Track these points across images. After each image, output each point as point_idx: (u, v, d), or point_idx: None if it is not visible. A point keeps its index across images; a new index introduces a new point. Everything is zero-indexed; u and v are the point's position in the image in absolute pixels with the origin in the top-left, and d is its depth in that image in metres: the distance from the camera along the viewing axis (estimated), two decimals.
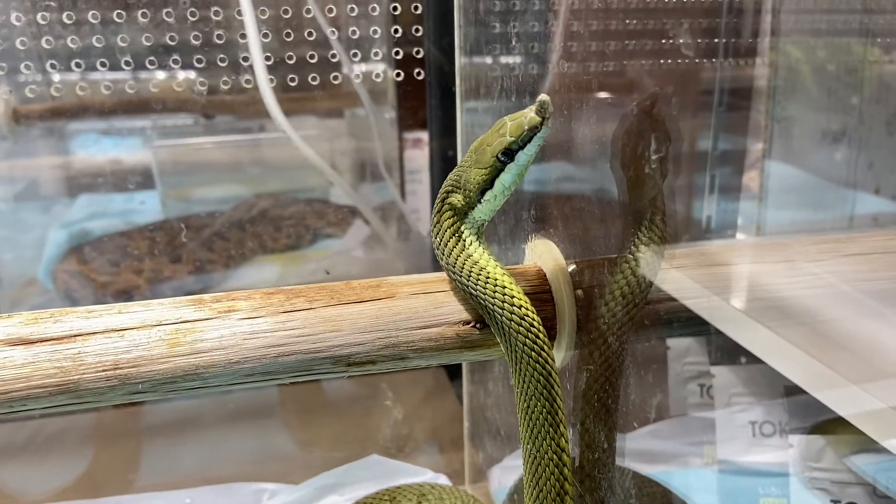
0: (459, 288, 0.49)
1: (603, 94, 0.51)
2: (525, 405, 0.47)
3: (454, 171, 0.49)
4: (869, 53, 0.94)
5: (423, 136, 1.30)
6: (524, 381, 0.46)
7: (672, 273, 0.53)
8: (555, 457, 0.46)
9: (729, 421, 0.86)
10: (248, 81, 0.98)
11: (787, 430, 0.82)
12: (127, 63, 0.96)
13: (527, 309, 0.46)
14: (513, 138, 0.45)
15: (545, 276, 0.52)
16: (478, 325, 0.49)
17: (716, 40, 0.93)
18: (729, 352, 0.89)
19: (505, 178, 0.47)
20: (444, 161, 1.09)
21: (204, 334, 0.47)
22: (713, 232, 0.98)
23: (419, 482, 0.73)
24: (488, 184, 0.47)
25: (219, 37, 0.95)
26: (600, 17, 0.60)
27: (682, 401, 0.91)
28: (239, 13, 0.92)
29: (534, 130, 0.45)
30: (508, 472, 0.79)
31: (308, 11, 0.97)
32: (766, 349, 0.57)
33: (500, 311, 0.46)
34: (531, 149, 0.46)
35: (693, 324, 0.53)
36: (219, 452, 0.86)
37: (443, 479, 0.79)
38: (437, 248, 0.49)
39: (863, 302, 0.59)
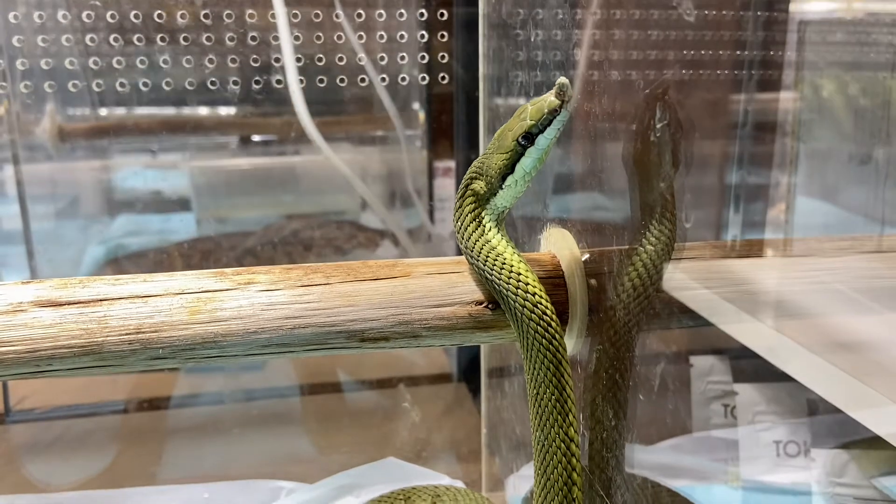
0: (476, 272, 0.50)
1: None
2: (535, 391, 0.47)
3: (478, 158, 0.50)
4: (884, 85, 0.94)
5: (453, 164, 1.33)
6: (535, 367, 0.47)
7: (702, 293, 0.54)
8: (563, 444, 0.46)
9: (753, 440, 0.85)
10: (284, 103, 1.02)
11: (811, 450, 0.81)
12: (168, 84, 1.00)
13: (540, 296, 0.47)
14: (533, 122, 0.46)
15: (559, 263, 0.52)
16: (490, 306, 0.50)
17: (742, 72, 0.95)
18: (752, 371, 0.88)
19: (525, 163, 0.47)
20: None
21: (223, 304, 0.48)
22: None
23: (433, 485, 0.73)
24: (509, 168, 0.48)
25: (255, 60, 0.99)
26: (620, 64, 0.62)
27: (705, 420, 0.90)
28: (276, 38, 0.96)
29: (553, 114, 0.45)
30: (525, 480, 0.78)
31: (340, 38, 1.01)
32: (799, 366, 0.57)
33: (514, 296, 0.47)
34: (551, 132, 0.46)
35: (698, 318, 0.53)
36: (239, 453, 0.87)
37: (459, 486, 0.78)
38: (458, 233, 0.50)
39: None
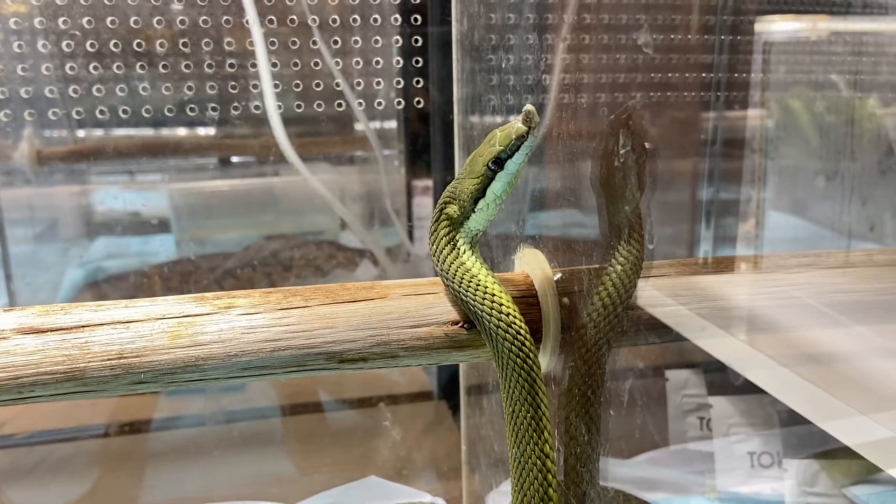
0: (452, 294, 0.51)
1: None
2: (511, 409, 0.48)
3: (451, 183, 0.52)
4: (862, 105, 0.97)
5: (431, 183, 1.34)
6: (510, 386, 0.48)
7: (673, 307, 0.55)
8: (538, 461, 0.47)
9: (728, 451, 0.86)
10: (262, 126, 1.03)
11: (784, 460, 0.82)
12: (147, 111, 1.01)
13: (514, 316, 0.48)
14: (502, 147, 0.48)
15: (532, 283, 0.54)
16: (465, 326, 0.51)
17: (710, 93, 0.98)
18: (726, 383, 0.89)
19: (496, 187, 0.49)
20: None
21: (204, 328, 0.49)
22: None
23: (416, 502, 0.73)
24: (481, 192, 0.50)
25: (233, 87, 1.01)
26: (591, 88, 0.64)
27: (681, 433, 0.91)
28: (254, 65, 0.97)
29: (521, 139, 0.48)
30: (504, 496, 0.79)
31: (317, 64, 1.03)
32: (769, 381, 0.59)
33: (489, 317, 0.48)
34: (519, 157, 0.48)
35: (670, 333, 0.54)
36: (221, 475, 0.87)
37: (441, 503, 0.79)
38: (433, 256, 0.52)
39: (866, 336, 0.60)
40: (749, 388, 0.82)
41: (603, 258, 0.51)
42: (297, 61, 1.01)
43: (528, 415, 0.47)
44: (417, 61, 1.03)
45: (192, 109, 1.03)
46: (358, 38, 1.01)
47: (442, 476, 0.87)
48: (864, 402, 0.50)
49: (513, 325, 0.47)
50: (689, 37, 0.88)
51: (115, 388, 0.48)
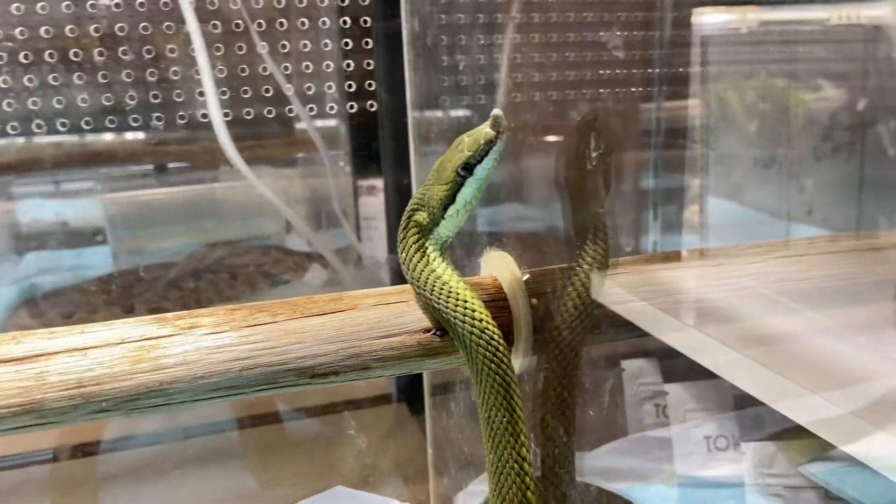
0: (423, 301, 0.51)
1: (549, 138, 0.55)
2: (486, 414, 0.48)
3: (419, 189, 0.52)
4: (795, 94, 1.01)
5: (378, 182, 1.33)
6: (485, 392, 0.48)
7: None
8: (516, 465, 0.47)
9: (685, 437, 0.88)
10: (202, 130, 1.00)
11: (740, 443, 0.85)
12: (80, 119, 0.97)
13: (487, 321, 0.48)
14: (470, 153, 0.48)
15: (500, 285, 0.54)
16: (438, 333, 0.51)
17: (653, 88, 0.99)
18: (682, 371, 0.91)
19: (465, 193, 0.49)
20: (401, 206, 1.12)
21: (167, 350, 0.47)
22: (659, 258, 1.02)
23: None
24: (450, 199, 0.49)
25: (175, 93, 0.97)
26: (541, 85, 0.64)
27: (639, 421, 0.93)
28: (197, 72, 0.94)
29: (489, 144, 0.47)
30: (473, 496, 0.79)
31: (262, 69, 1.00)
32: (721, 364, 0.60)
33: (462, 323, 0.48)
34: (488, 162, 0.48)
35: (634, 329, 0.55)
36: (179, 495, 0.84)
37: None
38: (403, 263, 0.51)
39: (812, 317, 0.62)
40: (703, 375, 0.84)
41: (570, 258, 0.51)
42: (240, 66, 0.98)
43: (504, 419, 0.47)
44: (367, 63, 1.02)
45: (127, 116, 0.99)
46: (305, 42, 0.99)
47: (408, 480, 0.86)
48: (815, 381, 0.52)
49: (486, 331, 0.47)
50: (633, 32, 0.90)
51: (74, 418, 0.46)
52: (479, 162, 0.48)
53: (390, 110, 0.97)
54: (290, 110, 1.07)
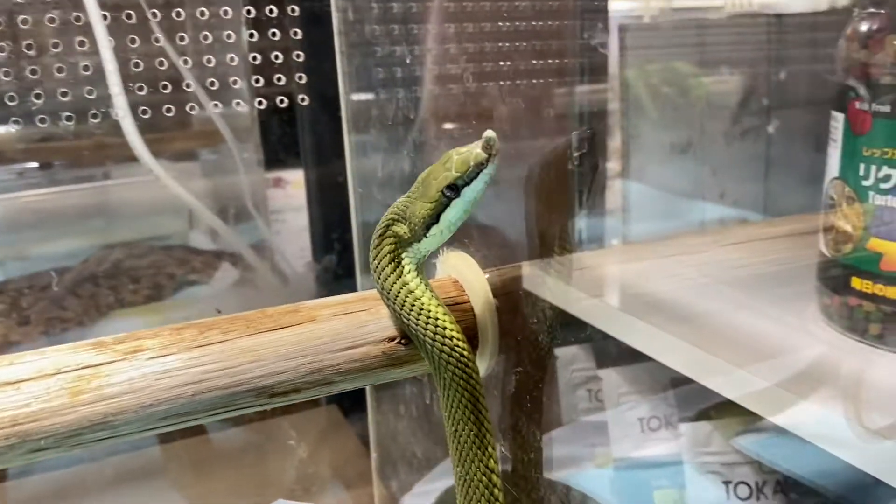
0: (392, 313, 0.48)
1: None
2: (454, 428, 0.47)
3: (401, 199, 0.48)
4: (692, 79, 1.04)
5: (285, 175, 1.28)
6: (453, 406, 0.47)
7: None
8: (484, 478, 0.47)
9: (619, 420, 0.90)
10: (97, 124, 0.93)
11: (673, 423, 0.87)
12: None
13: (457, 339, 0.46)
14: (458, 174, 0.45)
15: (462, 288, 0.52)
16: (403, 341, 0.49)
17: (576, 77, 1.00)
18: (615, 356, 0.93)
19: (451, 214, 0.46)
20: (325, 199, 1.07)
21: (110, 378, 0.43)
22: (584, 244, 1.03)
23: None
24: (434, 218, 0.46)
25: (89, 92, 0.89)
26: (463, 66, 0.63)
27: (573, 407, 0.94)
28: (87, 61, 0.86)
29: (480, 167, 0.44)
30: (419, 498, 0.78)
31: (157, 40, 0.93)
32: (651, 345, 0.61)
33: (432, 341, 0.46)
34: (478, 185, 0.45)
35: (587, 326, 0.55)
36: None
37: None
38: (374, 272, 0.48)
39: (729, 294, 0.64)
40: (636, 359, 0.86)
41: (531, 257, 0.50)
42: (139, 53, 0.91)
43: (472, 433, 0.46)
44: (280, 50, 0.96)
45: (7, 110, 0.90)
46: (207, 33, 0.92)
47: (349, 485, 0.83)
48: (743, 357, 0.53)
49: (456, 349, 0.46)
50: (555, 21, 0.90)
51: (10, 459, 0.41)
52: (468, 184, 0.45)
53: (314, 99, 0.93)
54: (193, 100, 1.00)
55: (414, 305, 0.46)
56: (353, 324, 0.48)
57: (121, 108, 0.84)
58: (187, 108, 0.99)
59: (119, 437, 0.43)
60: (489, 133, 0.44)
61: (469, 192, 0.45)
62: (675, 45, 1.07)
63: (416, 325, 0.46)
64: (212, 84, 0.97)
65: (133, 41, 0.90)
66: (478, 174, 0.44)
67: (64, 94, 0.90)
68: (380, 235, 0.48)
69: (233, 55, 0.96)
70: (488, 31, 0.80)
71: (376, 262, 0.48)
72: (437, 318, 0.46)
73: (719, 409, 0.83)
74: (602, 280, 0.66)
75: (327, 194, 1.00)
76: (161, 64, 0.92)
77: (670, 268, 0.75)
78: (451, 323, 0.46)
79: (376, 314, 0.49)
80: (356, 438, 0.91)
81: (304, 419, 0.95)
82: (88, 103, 0.90)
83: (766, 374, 0.50)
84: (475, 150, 0.44)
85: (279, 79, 0.98)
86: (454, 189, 0.45)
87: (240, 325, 0.47)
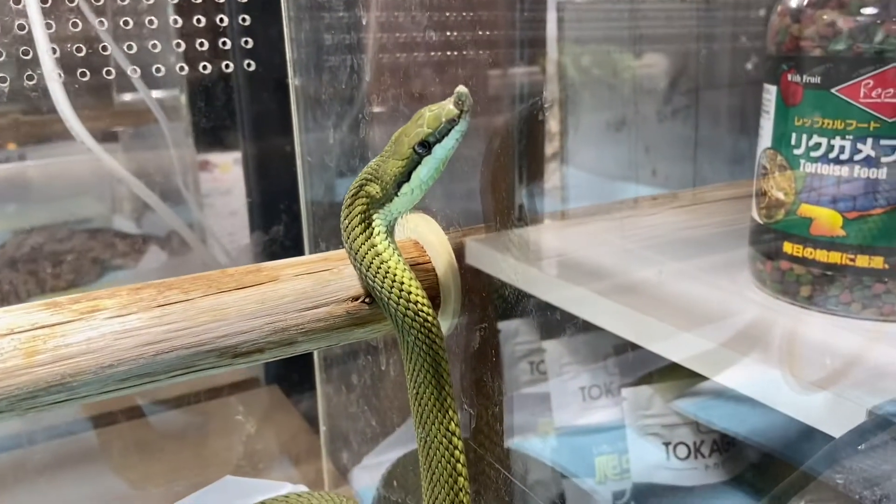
0: (358, 274, 0.48)
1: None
2: (415, 391, 0.47)
3: (374, 160, 0.48)
4: (624, 59, 1.07)
5: (213, 158, 1.25)
6: (415, 369, 0.47)
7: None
8: (444, 440, 0.47)
9: (561, 389, 0.92)
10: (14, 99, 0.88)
11: (613, 391, 0.89)
12: None
13: (422, 303, 0.46)
14: (430, 130, 0.44)
15: (424, 249, 0.52)
16: (367, 301, 0.48)
17: (515, 50, 1.01)
18: (556, 327, 0.95)
19: (422, 172, 0.45)
20: (263, 179, 1.04)
21: (67, 338, 0.41)
22: (526, 219, 1.05)
23: (283, 494, 0.69)
24: (405, 176, 0.46)
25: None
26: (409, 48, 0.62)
27: (515, 379, 0.95)
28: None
29: (452, 123, 0.44)
30: (368, 470, 0.77)
31: (85, 30, 0.89)
32: (596, 312, 0.63)
33: (396, 304, 0.46)
34: (449, 142, 0.44)
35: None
36: None
37: (303, 489, 0.75)
38: (344, 231, 0.48)
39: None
40: (579, 330, 0.88)
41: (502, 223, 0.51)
42: (64, 25, 0.86)
43: (433, 396, 0.46)
44: (213, 24, 0.93)
45: None
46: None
47: (297, 461, 0.82)
48: (685, 321, 0.56)
49: (420, 313, 0.46)
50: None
51: None
52: (439, 141, 0.44)
53: (249, 75, 0.90)
54: (121, 76, 0.96)
55: (381, 267, 0.46)
56: (316, 283, 0.48)
57: (53, 81, 0.80)
58: (114, 87, 0.96)
59: (77, 399, 0.42)
60: (461, 88, 0.44)
61: (440, 150, 0.45)
62: (610, 21, 1.09)
63: (382, 286, 0.46)
64: (142, 61, 0.94)
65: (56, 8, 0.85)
66: (449, 131, 0.44)
67: None
68: (352, 195, 0.47)
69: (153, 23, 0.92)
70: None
71: (346, 220, 0.47)
72: (402, 282, 0.46)
73: (659, 375, 0.86)
74: (541, 251, 0.67)
75: (271, 166, 0.97)
76: (90, 45, 0.88)
77: (609, 238, 0.77)
78: (417, 287, 0.46)
79: (339, 274, 0.49)
80: (300, 417, 0.90)
81: (247, 399, 0.93)
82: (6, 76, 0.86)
83: (707, 337, 0.52)
84: (447, 106, 0.44)
85: (212, 52, 0.95)
86: (425, 146, 0.45)
87: (201, 285, 0.46)
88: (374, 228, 0.47)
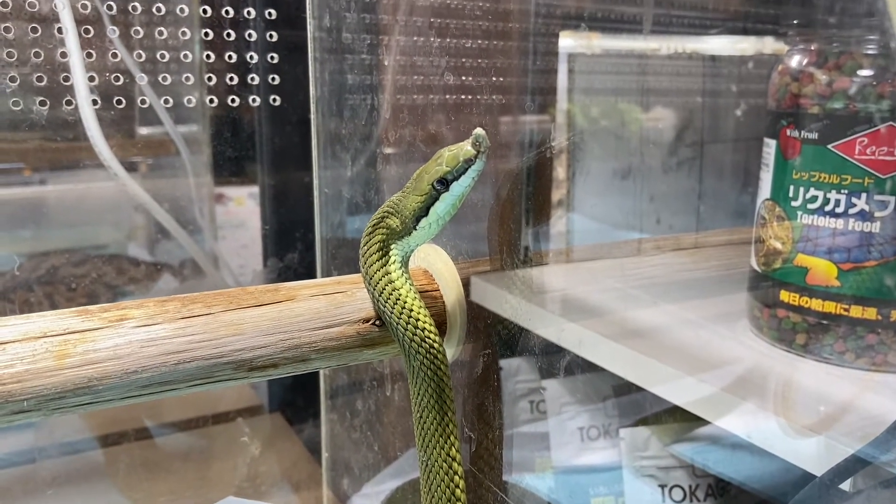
0: (371, 299, 0.50)
1: None
2: (419, 415, 0.49)
3: (395, 195, 0.51)
4: (632, 111, 1.11)
5: (227, 191, 1.28)
6: (420, 394, 0.49)
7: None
8: (444, 464, 0.49)
9: (560, 429, 0.93)
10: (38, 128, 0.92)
11: (612, 432, 0.91)
12: None
13: (429, 331, 0.48)
14: (448, 168, 0.47)
15: (431, 276, 0.55)
16: (377, 323, 0.51)
17: (526, 97, 1.05)
18: (556, 368, 0.96)
19: (439, 207, 0.48)
20: (288, 195, 1.06)
21: (96, 344, 0.44)
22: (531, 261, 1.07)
23: None
24: (423, 211, 0.48)
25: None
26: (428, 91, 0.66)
27: (514, 417, 0.97)
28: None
29: (469, 163, 0.47)
30: (367, 499, 0.79)
31: (116, 60, 0.93)
32: (601, 355, 0.64)
33: (404, 329, 0.48)
34: (466, 180, 0.47)
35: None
36: None
37: None
38: (362, 257, 0.50)
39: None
40: (580, 369, 0.90)
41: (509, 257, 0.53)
42: (102, 62, 0.90)
43: (436, 421, 0.48)
44: (231, 57, 0.97)
45: None
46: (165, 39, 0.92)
47: (296, 488, 0.83)
48: (688, 366, 0.57)
49: (427, 340, 0.48)
50: (509, 44, 0.94)
51: None
52: (456, 178, 0.47)
53: (272, 111, 0.94)
54: (145, 108, 1.00)
55: (392, 294, 0.48)
56: (330, 304, 0.50)
57: (86, 108, 0.83)
58: (139, 118, 0.99)
59: (101, 402, 0.44)
60: (479, 131, 0.47)
61: (457, 187, 0.47)
62: (619, 73, 1.13)
63: (392, 311, 0.48)
64: (170, 92, 0.98)
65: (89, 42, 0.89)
66: (466, 169, 0.47)
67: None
68: (373, 225, 0.50)
69: (187, 57, 0.97)
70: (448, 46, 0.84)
71: (365, 247, 0.50)
72: (411, 308, 0.48)
73: (657, 419, 0.87)
74: (544, 289, 0.69)
75: (289, 196, 1.00)
76: (122, 75, 0.92)
77: (611, 282, 0.79)
78: (425, 315, 0.49)
79: (352, 296, 0.51)
80: (302, 445, 0.91)
81: (250, 426, 0.95)
82: (31, 106, 0.89)
83: (705, 381, 0.53)
84: (465, 146, 0.47)
85: (241, 86, 0.99)
86: (444, 183, 0.47)
87: (222, 301, 0.48)
88: (390, 257, 0.50)
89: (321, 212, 0.73)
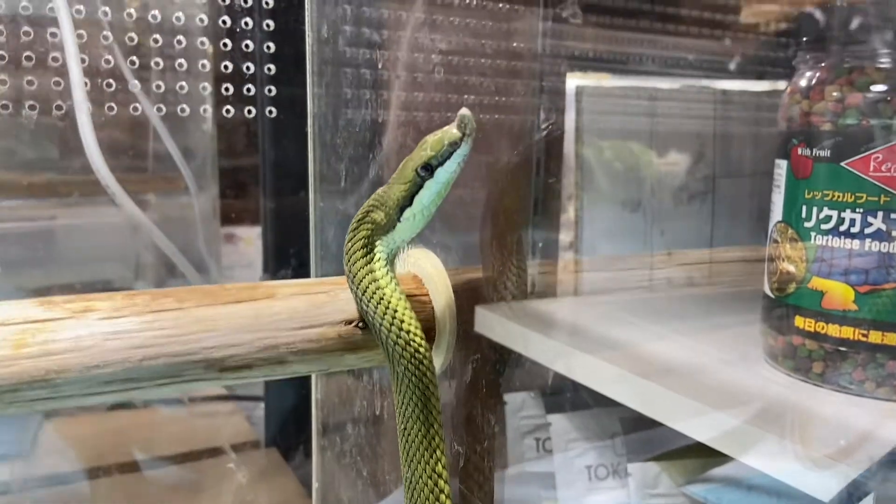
0: (354, 299, 0.48)
1: None
2: (403, 426, 0.46)
3: (380, 188, 0.48)
4: (644, 154, 1.10)
5: (238, 231, 1.28)
6: (404, 403, 0.46)
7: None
8: (430, 481, 0.45)
9: (567, 466, 0.89)
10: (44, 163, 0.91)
11: (620, 472, 0.86)
12: None
13: (415, 333, 0.45)
14: (432, 153, 0.44)
15: (420, 281, 0.52)
16: (360, 325, 0.48)
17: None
18: (562, 403, 0.93)
19: (424, 196, 0.46)
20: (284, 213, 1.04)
21: (56, 334, 0.41)
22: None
23: None
24: (407, 200, 0.46)
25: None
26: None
27: (520, 454, 0.93)
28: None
29: (454, 146, 0.44)
30: None
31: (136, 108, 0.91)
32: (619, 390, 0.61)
33: (388, 331, 0.45)
34: (451, 165, 0.45)
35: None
36: None
37: None
38: (346, 254, 0.48)
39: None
40: (586, 405, 0.86)
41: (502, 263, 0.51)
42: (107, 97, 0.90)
43: (421, 433, 0.45)
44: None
45: None
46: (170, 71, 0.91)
47: None
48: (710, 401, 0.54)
49: (411, 343, 0.45)
50: (518, 81, 0.94)
51: None
52: (441, 164, 0.44)
53: (273, 138, 0.93)
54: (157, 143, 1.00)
55: (376, 293, 0.46)
56: (311, 304, 0.48)
57: (89, 144, 0.81)
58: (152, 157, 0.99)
59: (60, 398, 0.41)
60: (464, 111, 0.44)
61: (442, 173, 0.45)
62: (628, 112, 1.12)
63: (375, 311, 0.45)
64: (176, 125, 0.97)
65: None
66: (451, 154, 0.44)
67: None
68: (358, 220, 0.47)
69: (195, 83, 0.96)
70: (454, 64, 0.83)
71: (349, 244, 0.47)
72: (395, 309, 0.45)
73: (667, 457, 0.83)
74: (554, 323, 0.66)
75: (285, 210, 0.99)
76: (130, 106, 0.92)
77: (619, 315, 0.77)
78: (411, 317, 0.46)
79: (334, 297, 0.49)
80: (297, 481, 0.87)
81: (244, 460, 0.91)
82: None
83: (726, 416, 0.50)
84: (450, 129, 0.44)
85: (243, 126, 0.98)
86: (428, 169, 0.45)
87: (196, 296, 0.46)
88: (374, 254, 0.47)
89: (316, 226, 0.71)
